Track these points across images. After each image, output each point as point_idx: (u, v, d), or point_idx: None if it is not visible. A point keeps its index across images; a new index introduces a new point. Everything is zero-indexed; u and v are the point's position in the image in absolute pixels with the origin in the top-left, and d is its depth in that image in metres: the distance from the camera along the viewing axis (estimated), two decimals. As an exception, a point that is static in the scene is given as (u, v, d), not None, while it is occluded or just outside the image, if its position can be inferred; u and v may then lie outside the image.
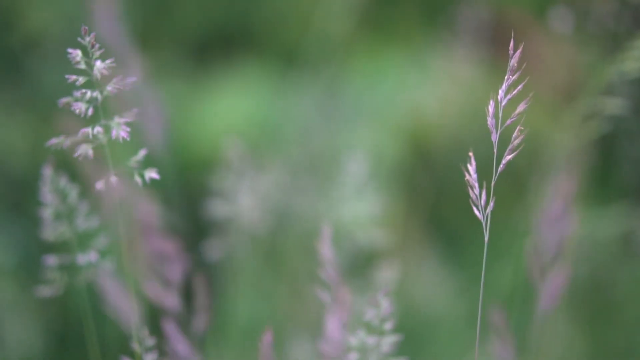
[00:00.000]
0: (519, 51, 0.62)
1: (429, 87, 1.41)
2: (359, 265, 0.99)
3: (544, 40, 1.38)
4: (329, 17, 1.27)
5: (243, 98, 1.48)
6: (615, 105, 0.90)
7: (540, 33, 1.38)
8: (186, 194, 1.39)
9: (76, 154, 0.64)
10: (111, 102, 0.66)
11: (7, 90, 1.43)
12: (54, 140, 0.64)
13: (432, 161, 1.42)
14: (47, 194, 0.71)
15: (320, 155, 1.24)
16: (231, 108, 1.47)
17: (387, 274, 0.94)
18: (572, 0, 1.05)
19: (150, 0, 1.50)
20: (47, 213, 0.72)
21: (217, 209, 1.04)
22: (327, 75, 1.30)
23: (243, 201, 1.01)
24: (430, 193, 1.40)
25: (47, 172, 0.71)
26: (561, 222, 0.88)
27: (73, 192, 0.72)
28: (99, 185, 0.64)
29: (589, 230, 1.15)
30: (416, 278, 1.35)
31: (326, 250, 0.73)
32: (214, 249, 1.06)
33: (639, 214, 1.16)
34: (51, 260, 0.73)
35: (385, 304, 0.70)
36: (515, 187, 1.37)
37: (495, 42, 1.36)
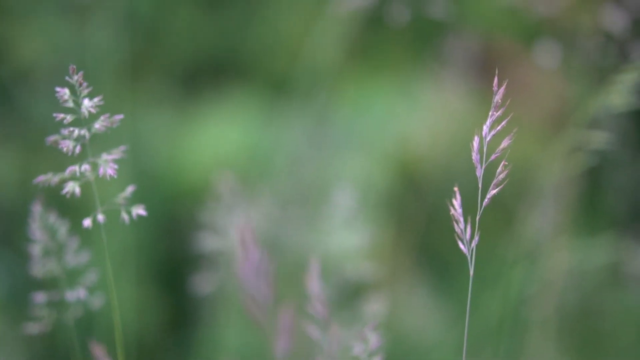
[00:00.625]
0: (502, 88, 0.63)
1: (418, 116, 1.42)
2: (348, 298, 0.99)
3: (533, 70, 1.39)
4: (319, 47, 1.27)
5: (232, 127, 1.48)
6: (601, 139, 0.91)
7: (528, 63, 1.39)
8: (176, 225, 1.39)
9: (64, 192, 0.64)
10: (99, 138, 0.66)
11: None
12: (41, 178, 0.64)
13: (421, 190, 1.42)
14: (37, 231, 0.71)
15: (309, 185, 1.24)
16: (221, 137, 1.48)
17: (375, 307, 0.94)
18: (559, 33, 1.06)
19: (140, 30, 1.51)
20: (36, 249, 0.72)
21: (207, 241, 1.04)
22: (317, 104, 1.31)
23: (233, 234, 1.01)
24: (420, 222, 1.41)
25: (36, 208, 0.71)
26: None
27: (62, 229, 0.72)
28: (86, 222, 0.65)
29: (578, 260, 1.15)
30: (406, 307, 1.35)
31: (314, 284, 0.73)
32: (204, 282, 1.06)
33: (627, 243, 1.17)
34: (40, 297, 0.72)
35: (373, 338, 0.70)
36: (502, 215, 1.38)
37: (484, 72, 1.37)
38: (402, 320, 1.33)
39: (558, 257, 1.08)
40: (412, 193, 1.42)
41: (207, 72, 1.57)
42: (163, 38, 1.55)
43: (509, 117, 0.63)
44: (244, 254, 0.75)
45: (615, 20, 1.01)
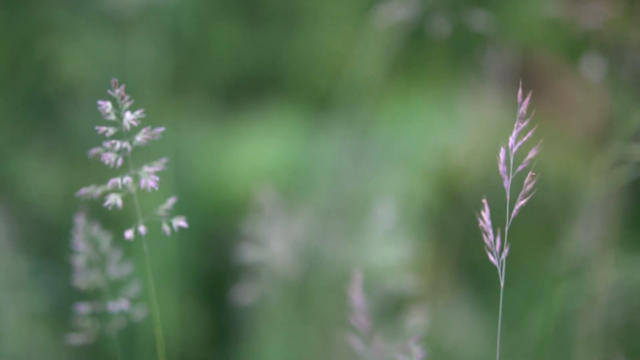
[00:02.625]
0: (527, 99, 0.62)
1: (457, 130, 1.41)
2: (390, 311, 0.98)
3: (575, 84, 1.37)
4: (360, 61, 1.28)
5: (273, 141, 1.49)
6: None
7: (571, 77, 1.37)
8: (217, 237, 1.40)
9: (106, 204, 0.64)
10: (141, 151, 0.67)
11: (41, 137, 1.45)
12: (84, 190, 0.65)
13: (460, 204, 1.41)
14: (80, 243, 0.72)
15: (350, 199, 1.24)
16: (261, 151, 1.48)
17: (417, 320, 0.94)
18: (604, 46, 1.05)
19: (182, 46, 1.52)
20: (79, 261, 0.72)
21: (248, 253, 1.04)
22: (358, 119, 1.31)
23: (274, 246, 1.01)
24: (460, 236, 1.40)
25: (80, 220, 0.72)
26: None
27: (105, 240, 0.73)
28: (128, 234, 0.65)
29: (623, 275, 1.13)
30: (447, 321, 1.34)
31: (357, 297, 0.73)
32: (245, 294, 1.06)
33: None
34: (83, 308, 0.73)
35: (416, 351, 0.69)
36: (548, 229, 1.36)
37: (524, 86, 1.35)
38: (444, 334, 1.31)
39: (603, 272, 1.06)
40: (452, 206, 1.41)
41: (248, 88, 1.58)
42: (204, 54, 1.56)
43: (534, 128, 0.62)
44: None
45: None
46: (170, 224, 0.65)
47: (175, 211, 0.66)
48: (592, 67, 1.03)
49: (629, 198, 1.11)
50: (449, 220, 1.40)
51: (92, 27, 1.48)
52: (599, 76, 1.03)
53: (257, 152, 1.48)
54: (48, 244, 1.36)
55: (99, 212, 0.74)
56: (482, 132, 1.38)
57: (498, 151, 0.63)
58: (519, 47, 1.40)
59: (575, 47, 1.21)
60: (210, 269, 1.40)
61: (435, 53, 1.46)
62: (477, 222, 0.63)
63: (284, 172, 1.45)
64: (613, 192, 0.99)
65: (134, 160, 0.65)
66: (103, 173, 0.68)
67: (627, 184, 0.95)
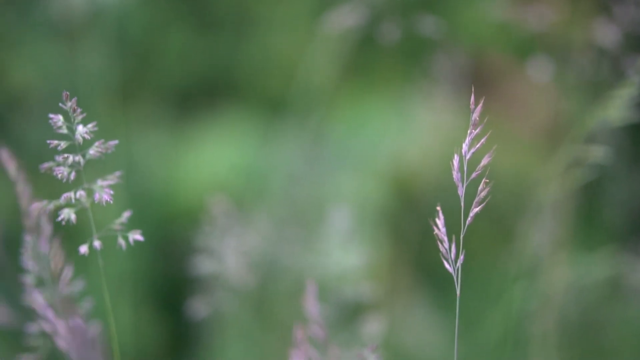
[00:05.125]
0: (479, 106, 0.62)
1: (410, 133, 1.41)
2: (346, 318, 0.98)
3: (525, 85, 1.39)
4: (312, 66, 1.27)
5: (227, 147, 1.48)
6: (598, 153, 0.91)
7: (521, 78, 1.39)
8: (171, 247, 1.38)
9: (59, 219, 0.64)
10: (94, 163, 0.66)
11: (-11, 149, 1.42)
12: (36, 205, 0.64)
13: (416, 207, 1.42)
14: (29, 260, 0.70)
15: (305, 204, 1.24)
16: (215, 157, 1.47)
17: (374, 326, 0.94)
18: (551, 48, 1.06)
19: (131, 53, 1.50)
20: (29, 279, 0.71)
21: (203, 265, 1.03)
22: (311, 123, 1.31)
23: (228, 258, 1.00)
24: (416, 238, 1.40)
25: (28, 238, 0.70)
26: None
27: (56, 257, 0.71)
28: (83, 249, 0.64)
29: (578, 274, 1.15)
30: (405, 325, 1.35)
31: (311, 306, 0.73)
32: (201, 306, 1.05)
33: (626, 257, 1.16)
34: (34, 327, 0.72)
35: (373, 359, 0.69)
36: (502, 230, 1.37)
37: (475, 88, 1.36)
38: (402, 338, 1.32)
39: (558, 271, 1.08)
40: (407, 210, 1.42)
41: (201, 94, 1.57)
42: (155, 61, 1.54)
43: (487, 134, 0.62)
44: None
45: (607, 35, 1.01)
46: (126, 238, 0.65)
47: (130, 222, 0.65)
48: (539, 69, 1.04)
49: (582, 198, 1.12)
50: (405, 223, 1.41)
51: (39, 34, 1.45)
52: (546, 77, 1.04)
53: (211, 158, 1.47)
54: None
55: (52, 226, 0.73)
56: (435, 134, 1.39)
57: (452, 155, 0.63)
58: (469, 49, 1.41)
59: (524, 49, 1.22)
60: (165, 279, 1.38)
61: (387, 58, 1.46)
62: (433, 226, 0.63)
63: (238, 178, 1.44)
64: (567, 192, 1.00)
65: (87, 173, 0.64)
66: (56, 187, 0.67)
67: (580, 185, 0.96)
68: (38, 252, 0.70)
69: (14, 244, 1.26)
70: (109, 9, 1.42)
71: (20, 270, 0.72)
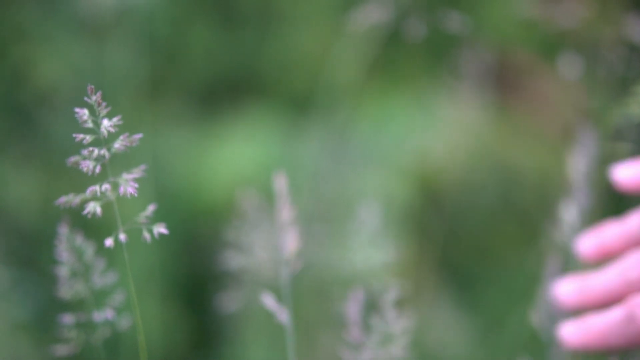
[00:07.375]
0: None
1: (436, 130, 1.41)
2: (374, 314, 0.98)
3: (552, 83, 1.38)
4: (338, 63, 1.28)
5: (253, 144, 1.48)
6: (624, 150, 0.90)
7: (547, 75, 1.38)
8: (198, 242, 1.39)
9: (85, 212, 0.64)
10: (119, 158, 0.66)
11: (17, 145, 1.44)
12: (63, 199, 0.64)
13: (441, 204, 1.42)
14: (63, 253, 0.71)
15: (331, 201, 1.24)
16: (240, 154, 1.48)
17: (402, 324, 0.94)
18: (580, 44, 1.06)
19: (158, 50, 1.51)
20: (63, 271, 0.72)
21: (232, 260, 1.03)
22: (337, 121, 1.31)
23: (257, 252, 1.01)
24: (441, 236, 1.40)
25: (63, 230, 0.71)
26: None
27: (89, 250, 0.72)
28: (108, 242, 0.64)
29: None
30: (431, 323, 1.34)
31: (354, 313, 0.73)
32: (228, 300, 1.06)
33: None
34: (67, 318, 0.72)
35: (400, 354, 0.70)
36: (526, 227, 1.37)
37: (500, 85, 1.36)
38: (427, 336, 1.32)
39: (582, 270, 1.07)
40: (432, 207, 1.42)
41: (226, 91, 1.57)
42: (180, 57, 1.55)
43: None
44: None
45: (637, 31, 1.00)
46: (150, 231, 0.65)
47: (155, 217, 0.66)
48: (569, 66, 1.04)
49: (608, 195, 1.12)
50: (430, 221, 1.40)
51: (67, 31, 1.46)
52: (576, 74, 1.04)
53: (236, 155, 1.48)
54: (27, 254, 1.34)
55: (78, 220, 0.73)
56: (460, 132, 1.38)
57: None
58: (495, 46, 1.40)
59: (551, 46, 1.22)
60: (192, 274, 1.39)
61: (412, 54, 1.46)
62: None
63: (263, 174, 1.45)
64: (592, 189, 1.00)
65: (113, 167, 0.65)
66: (82, 180, 0.67)
67: (607, 182, 0.95)
68: (72, 244, 0.71)
69: (42, 239, 1.27)
70: (136, 7, 1.43)
71: (49, 262, 0.73)
